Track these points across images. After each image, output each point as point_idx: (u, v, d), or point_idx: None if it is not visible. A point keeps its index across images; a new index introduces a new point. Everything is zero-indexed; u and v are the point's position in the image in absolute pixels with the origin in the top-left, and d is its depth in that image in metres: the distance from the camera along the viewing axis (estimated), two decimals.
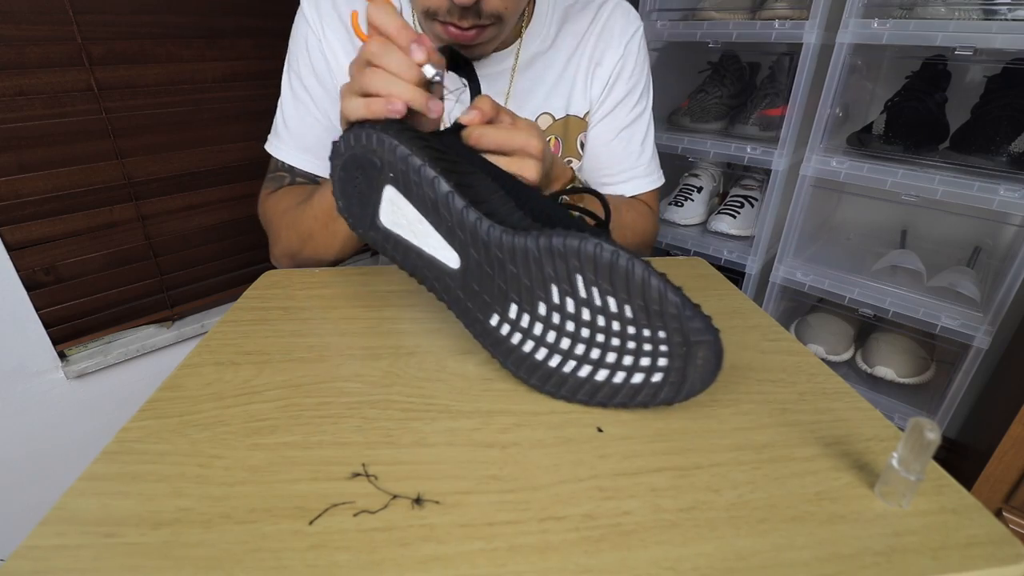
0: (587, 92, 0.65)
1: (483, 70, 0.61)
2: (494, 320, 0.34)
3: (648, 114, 0.68)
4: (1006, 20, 0.76)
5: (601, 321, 0.31)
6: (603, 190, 0.67)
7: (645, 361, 0.31)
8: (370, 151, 0.34)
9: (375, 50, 0.36)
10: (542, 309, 0.32)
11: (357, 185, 0.36)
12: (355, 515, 0.26)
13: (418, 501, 0.27)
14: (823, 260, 1.06)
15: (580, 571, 0.24)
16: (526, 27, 0.61)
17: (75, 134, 0.86)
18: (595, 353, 0.32)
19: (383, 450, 0.31)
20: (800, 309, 1.19)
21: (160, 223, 0.99)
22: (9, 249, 0.84)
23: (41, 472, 0.94)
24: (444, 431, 0.32)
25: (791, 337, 0.43)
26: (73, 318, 0.94)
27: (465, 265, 0.33)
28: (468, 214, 0.32)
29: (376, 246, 0.37)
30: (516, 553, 0.24)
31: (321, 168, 0.62)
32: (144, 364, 1.03)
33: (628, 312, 0.30)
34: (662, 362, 0.31)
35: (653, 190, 0.70)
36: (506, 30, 0.53)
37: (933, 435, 0.25)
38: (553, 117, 0.64)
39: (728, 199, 1.19)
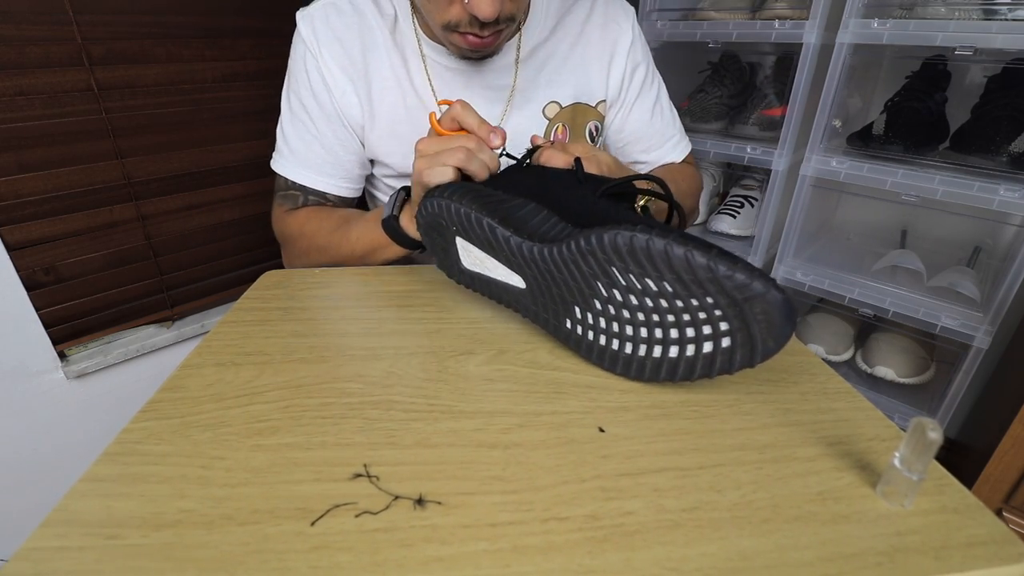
0: (605, 80, 0.67)
1: (486, 65, 0.62)
2: (568, 324, 0.37)
3: (663, 83, 0.73)
4: (1006, 20, 0.76)
5: (649, 302, 0.33)
6: (654, 162, 0.74)
7: (707, 329, 0.32)
8: (436, 216, 0.42)
9: (473, 146, 0.44)
10: (598, 304, 0.35)
11: (438, 243, 0.44)
12: (357, 516, 0.26)
13: (420, 502, 0.27)
14: (823, 260, 1.06)
15: (584, 572, 0.24)
16: (524, 21, 0.62)
17: (75, 134, 0.86)
18: (658, 332, 0.33)
19: (385, 451, 0.31)
20: (800, 309, 1.19)
21: (160, 223, 0.99)
22: (9, 249, 0.83)
23: (41, 473, 0.94)
24: (446, 432, 0.32)
25: (792, 337, 0.43)
26: (73, 318, 0.94)
27: (528, 284, 0.38)
28: (512, 241, 0.37)
29: (467, 286, 0.44)
30: (519, 554, 0.24)
31: (325, 184, 0.63)
32: (144, 364, 1.02)
33: (668, 287, 0.31)
34: (723, 326, 0.31)
35: (692, 151, 0.77)
36: (515, 29, 0.56)
37: (935, 435, 0.25)
38: (560, 105, 0.65)
39: (728, 199, 1.19)
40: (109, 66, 0.86)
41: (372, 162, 0.67)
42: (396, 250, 0.55)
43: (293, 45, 0.61)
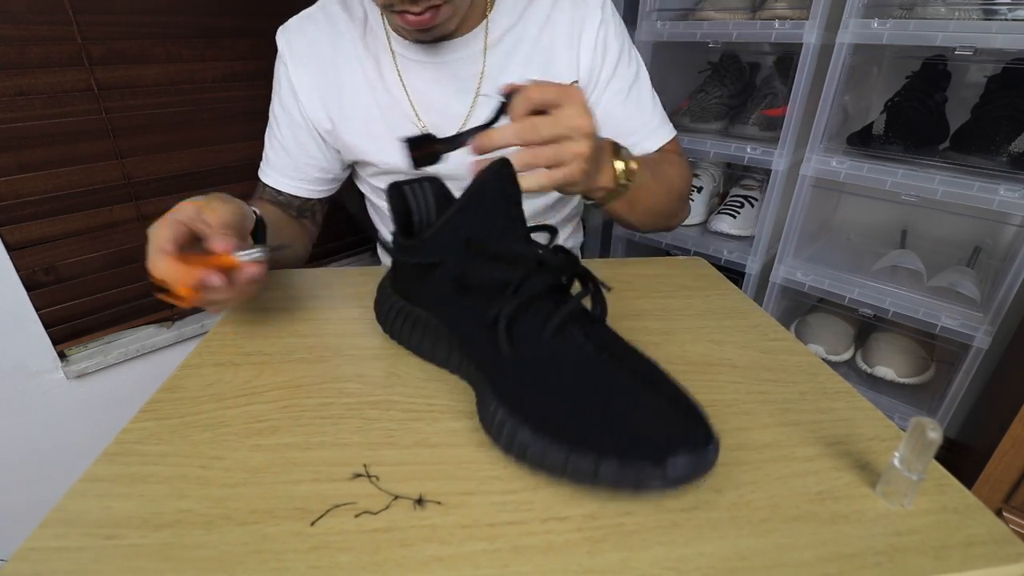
0: (575, 62, 0.65)
1: (453, 54, 0.62)
2: None
3: (644, 69, 0.69)
4: (1006, 20, 0.76)
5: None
6: (633, 149, 0.66)
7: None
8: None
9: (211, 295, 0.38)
10: None
11: None
12: (357, 516, 0.26)
13: (420, 502, 0.27)
14: (823, 260, 1.06)
15: (583, 571, 0.24)
16: (491, 8, 0.62)
17: (75, 134, 0.86)
18: None
19: (385, 451, 0.31)
20: (800, 309, 1.19)
21: None
22: (9, 249, 0.83)
23: (41, 472, 0.94)
24: (446, 431, 0.32)
25: (792, 337, 0.43)
26: (73, 318, 0.94)
27: None
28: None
29: None
30: (519, 554, 0.24)
31: (283, 184, 0.68)
32: (144, 364, 1.02)
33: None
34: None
35: (673, 138, 0.70)
36: (462, 6, 0.55)
37: (935, 434, 0.25)
38: None
39: (728, 199, 1.19)
40: (109, 66, 0.86)
41: (355, 164, 0.70)
42: None
43: (278, 54, 0.65)
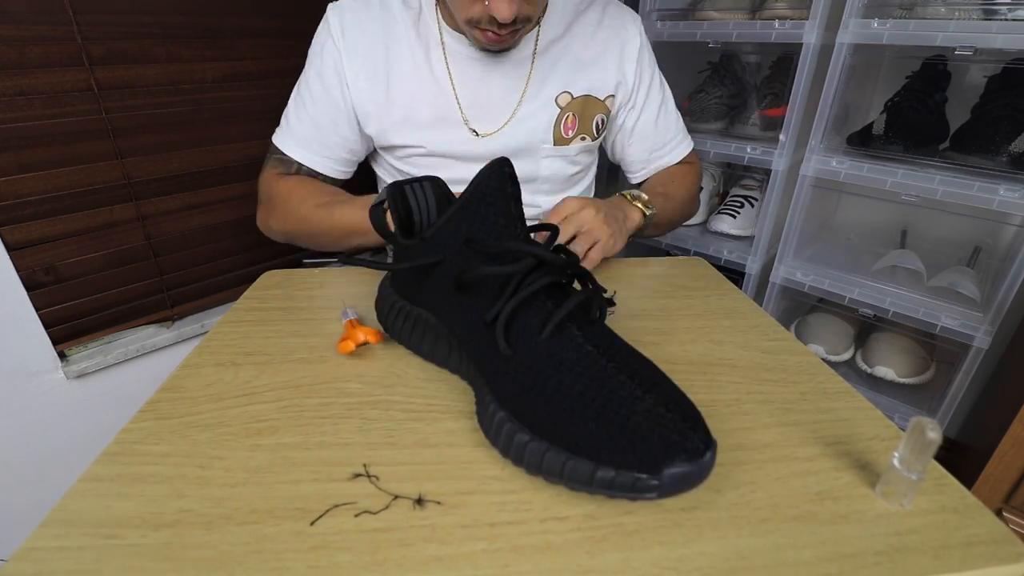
0: (613, 80, 0.71)
1: (506, 57, 0.66)
2: None
3: (668, 88, 0.79)
4: (1006, 20, 0.76)
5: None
6: (660, 161, 0.79)
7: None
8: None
9: None
10: None
11: None
12: (356, 516, 0.26)
13: (419, 501, 0.27)
14: (823, 260, 1.06)
15: (582, 571, 0.24)
16: (542, 18, 0.67)
17: (75, 134, 0.85)
18: None
19: (384, 451, 0.31)
20: (800, 309, 1.19)
21: (160, 223, 0.98)
22: (9, 249, 0.83)
23: (41, 472, 0.94)
24: (445, 431, 0.32)
25: (792, 337, 0.43)
26: (73, 318, 0.94)
27: None
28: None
29: None
30: (518, 553, 0.24)
31: (311, 161, 0.68)
32: (144, 364, 1.02)
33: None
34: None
35: (692, 149, 0.82)
36: (533, 26, 0.60)
37: (934, 434, 0.25)
38: (571, 95, 0.69)
39: (728, 199, 1.19)
40: (109, 66, 0.86)
41: (381, 149, 0.71)
42: (374, 238, 0.58)
43: (318, 32, 0.66)
